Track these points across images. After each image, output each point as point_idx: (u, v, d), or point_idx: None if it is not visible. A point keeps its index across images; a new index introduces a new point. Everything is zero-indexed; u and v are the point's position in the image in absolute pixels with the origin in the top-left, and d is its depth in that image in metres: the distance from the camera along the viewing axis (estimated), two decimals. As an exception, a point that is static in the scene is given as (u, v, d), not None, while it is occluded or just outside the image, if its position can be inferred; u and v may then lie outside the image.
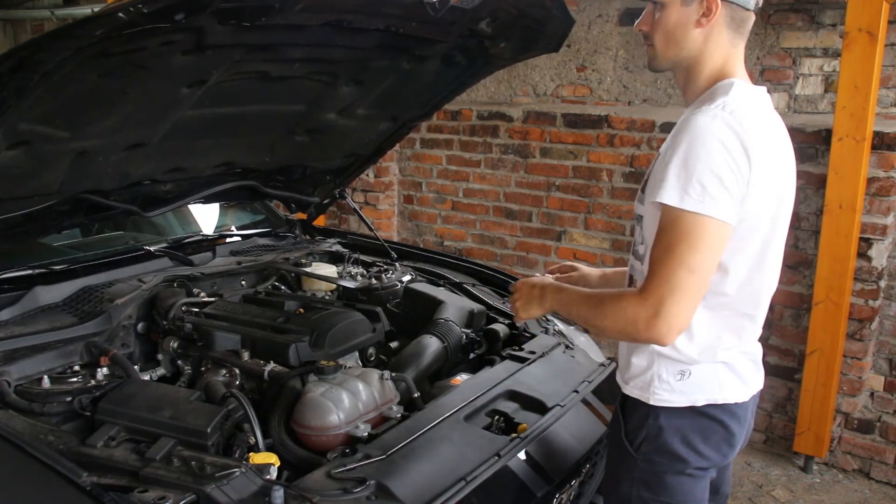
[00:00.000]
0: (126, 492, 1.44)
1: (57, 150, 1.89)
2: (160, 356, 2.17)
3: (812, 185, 3.43)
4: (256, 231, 3.05)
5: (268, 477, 1.54)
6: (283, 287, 2.56)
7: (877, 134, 3.25)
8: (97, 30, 1.48)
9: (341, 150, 2.79)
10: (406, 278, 2.59)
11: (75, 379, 1.85)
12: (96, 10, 1.48)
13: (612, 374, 1.79)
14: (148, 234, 2.92)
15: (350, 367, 2.02)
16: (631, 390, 1.63)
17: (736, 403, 1.60)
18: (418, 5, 1.80)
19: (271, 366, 1.97)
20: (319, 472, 1.59)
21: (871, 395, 3.56)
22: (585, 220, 4.28)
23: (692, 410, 1.58)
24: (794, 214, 1.79)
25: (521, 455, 1.79)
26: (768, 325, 3.54)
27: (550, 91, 4.61)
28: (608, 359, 2.42)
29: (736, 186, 1.43)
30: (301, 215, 3.16)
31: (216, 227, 3.08)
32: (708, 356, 1.57)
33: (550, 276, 1.93)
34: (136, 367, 2.02)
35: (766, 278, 1.61)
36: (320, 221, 3.54)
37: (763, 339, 1.70)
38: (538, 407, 2.00)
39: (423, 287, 2.66)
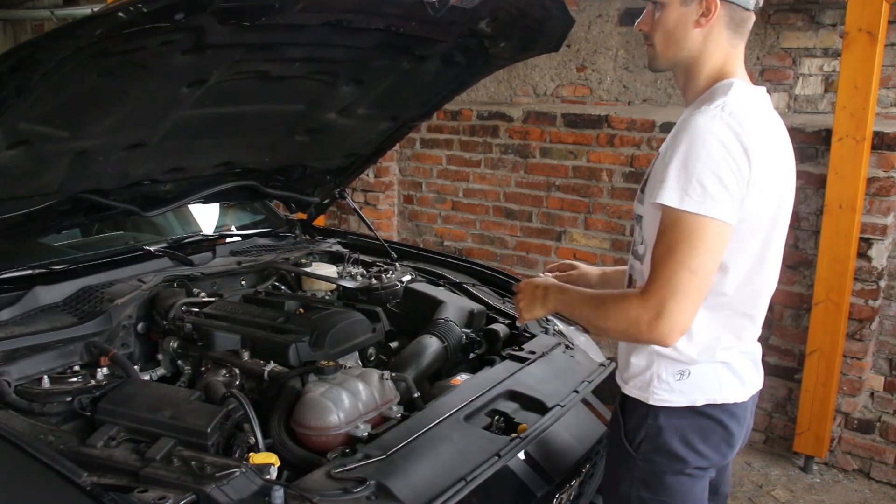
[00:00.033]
0: (126, 492, 1.44)
1: (57, 149, 1.89)
2: (160, 356, 2.17)
3: (812, 185, 3.43)
4: (256, 231, 3.05)
5: (268, 477, 1.54)
6: (283, 287, 2.56)
7: (877, 134, 3.25)
8: (97, 29, 1.48)
9: (341, 150, 2.79)
10: (406, 278, 2.59)
11: (75, 379, 1.85)
12: (96, 9, 1.48)
13: (612, 374, 1.79)
14: (148, 234, 2.92)
15: (350, 367, 2.02)
16: (630, 390, 1.63)
17: (735, 403, 1.60)
18: (418, 5, 1.80)
19: (271, 366, 1.97)
20: (319, 472, 1.59)
21: (871, 395, 3.56)
22: (585, 220, 4.28)
23: (691, 410, 1.58)
24: (794, 214, 1.79)
25: (521, 455, 1.79)
26: (768, 325, 3.53)
27: (550, 91, 4.61)
28: (608, 359, 2.42)
29: (736, 186, 1.43)
30: (301, 215, 3.16)
31: (216, 227, 3.08)
32: (707, 356, 1.57)
33: (549, 274, 1.93)
34: (136, 367, 2.02)
35: (766, 278, 1.61)
36: (320, 221, 3.54)
37: (763, 339, 1.70)
38: (538, 407, 2.00)
39: (423, 287, 2.66)
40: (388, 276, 2.55)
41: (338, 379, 1.86)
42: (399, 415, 1.89)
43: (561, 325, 2.54)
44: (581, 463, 1.94)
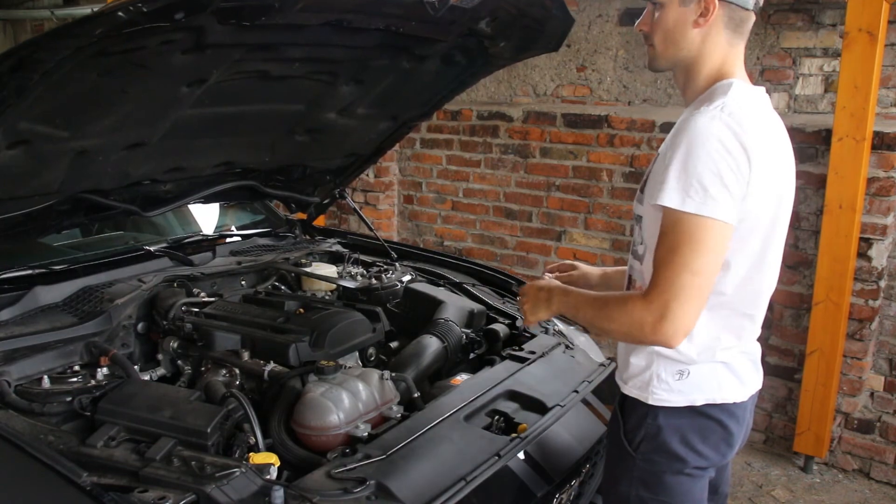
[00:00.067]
0: (126, 492, 1.43)
1: (57, 149, 1.89)
2: (160, 356, 2.17)
3: (812, 185, 3.43)
4: (256, 231, 3.05)
5: (268, 477, 1.54)
6: (283, 287, 2.56)
7: (877, 134, 3.25)
8: (97, 29, 1.48)
9: (341, 150, 2.79)
10: (406, 278, 2.59)
11: (75, 379, 1.85)
12: (96, 9, 1.48)
13: (612, 374, 1.79)
14: (148, 234, 2.92)
15: (350, 367, 2.02)
16: (630, 390, 1.63)
17: (735, 403, 1.60)
18: (418, 5, 1.80)
19: (271, 366, 1.97)
20: (319, 472, 1.58)
21: (871, 395, 3.56)
22: (585, 220, 4.28)
23: (691, 410, 1.58)
24: (794, 214, 1.79)
25: (521, 455, 1.79)
26: (768, 325, 3.54)
27: (550, 91, 4.61)
28: (608, 359, 2.42)
29: (737, 187, 1.43)
30: (301, 215, 3.16)
31: (216, 227, 3.08)
32: (707, 356, 1.57)
33: (550, 275, 1.93)
34: (136, 367, 2.02)
35: (766, 278, 1.62)
36: (320, 221, 3.54)
37: (763, 339, 1.70)
38: (538, 407, 2.00)
39: (423, 287, 2.65)
40: (388, 276, 2.55)
41: (338, 379, 1.86)
42: (399, 415, 1.89)
43: (561, 325, 2.55)
44: (581, 463, 1.94)
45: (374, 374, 1.93)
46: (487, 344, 2.43)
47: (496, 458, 1.73)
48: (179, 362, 2.15)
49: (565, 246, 4.38)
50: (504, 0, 2.06)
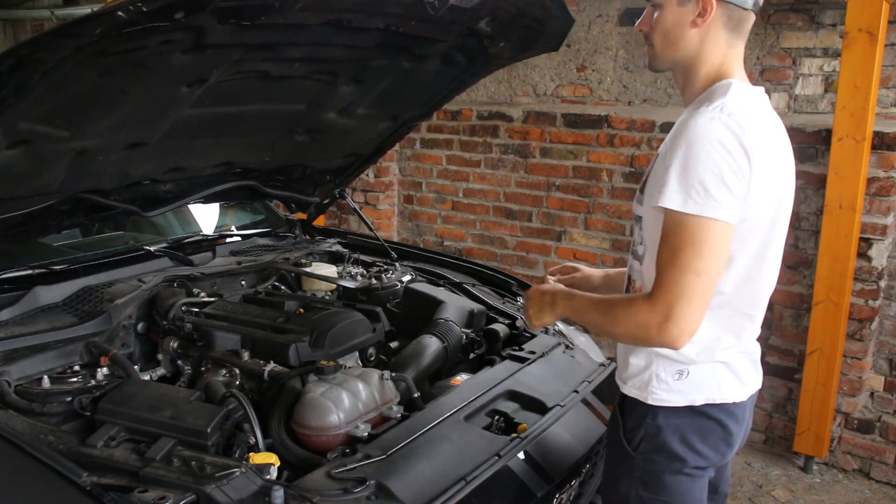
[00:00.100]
0: (126, 492, 1.43)
1: (57, 149, 1.88)
2: (160, 356, 2.17)
3: (812, 185, 3.43)
4: (256, 231, 3.05)
5: (268, 477, 1.54)
6: (283, 287, 2.56)
7: (877, 134, 3.25)
8: (97, 28, 1.48)
9: (341, 150, 2.79)
10: (406, 278, 2.59)
11: (75, 379, 1.85)
12: (96, 9, 1.48)
13: (612, 374, 1.79)
14: (148, 234, 2.92)
15: (350, 367, 2.02)
16: (629, 390, 1.63)
17: (734, 403, 1.60)
18: (418, 4, 1.80)
19: (271, 366, 1.97)
20: (319, 472, 1.59)
21: (871, 395, 3.56)
22: (585, 220, 4.28)
23: (690, 410, 1.58)
24: (794, 214, 1.79)
25: (521, 455, 1.79)
26: (768, 325, 3.54)
27: (550, 91, 4.61)
28: (608, 359, 2.42)
29: (738, 187, 1.43)
30: (301, 215, 3.16)
31: (216, 227, 3.08)
32: (706, 356, 1.57)
33: (552, 277, 1.93)
34: (136, 367, 2.02)
35: (766, 278, 1.61)
36: (320, 221, 3.53)
37: (763, 339, 1.70)
38: (538, 407, 2.00)
39: (423, 287, 2.65)
40: (388, 276, 2.55)
41: (338, 379, 1.86)
42: (399, 415, 1.89)
43: (561, 325, 2.54)
44: (581, 463, 1.94)
45: (374, 374, 1.93)
46: (487, 344, 2.43)
47: (496, 458, 1.73)
48: (179, 362, 2.15)
49: (565, 246, 4.38)
50: (504, 0, 2.06)
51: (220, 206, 3.13)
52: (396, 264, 2.74)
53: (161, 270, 2.40)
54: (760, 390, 1.70)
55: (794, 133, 3.26)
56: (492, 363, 2.26)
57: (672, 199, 1.43)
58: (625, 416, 1.65)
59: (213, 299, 2.28)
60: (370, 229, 3.02)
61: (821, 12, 3.65)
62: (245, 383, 2.01)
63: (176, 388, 1.99)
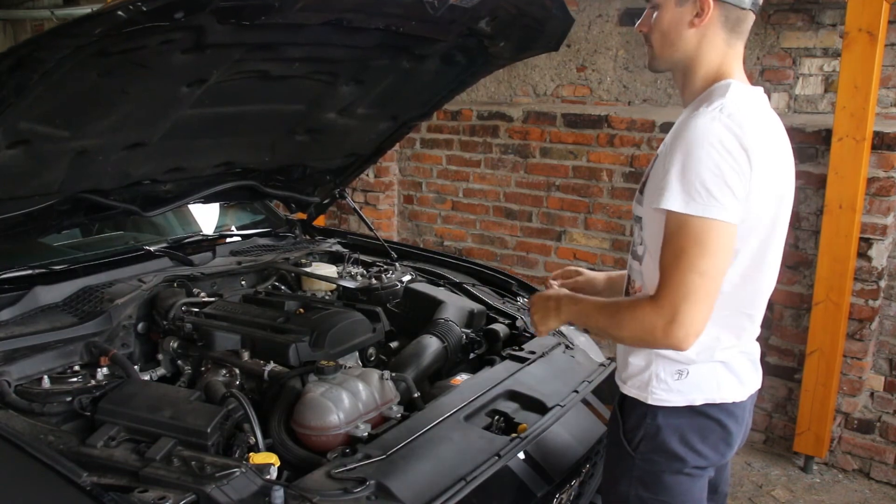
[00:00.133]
0: (126, 492, 1.43)
1: (57, 149, 1.88)
2: (160, 356, 2.17)
3: (812, 185, 3.43)
4: (256, 231, 3.05)
5: (268, 477, 1.54)
6: (283, 287, 2.56)
7: (877, 134, 3.25)
8: (96, 28, 1.48)
9: (341, 150, 2.79)
10: (406, 278, 2.59)
11: (75, 379, 1.85)
12: (96, 9, 1.48)
13: (612, 374, 1.79)
14: (148, 234, 2.92)
15: (350, 367, 2.02)
16: (629, 390, 1.63)
17: (734, 403, 1.60)
18: (418, 4, 1.80)
19: (271, 366, 1.97)
20: (319, 472, 1.59)
21: (871, 395, 3.56)
22: (585, 220, 4.28)
23: (690, 410, 1.58)
24: (794, 214, 1.79)
25: (521, 455, 1.79)
26: (768, 325, 3.54)
27: (550, 91, 4.61)
28: (608, 359, 2.42)
29: (739, 187, 1.43)
30: (301, 215, 3.16)
31: (216, 227, 3.08)
32: (706, 356, 1.57)
33: (555, 282, 1.93)
34: (136, 367, 2.02)
35: (766, 278, 1.61)
36: (320, 221, 3.53)
37: (763, 339, 1.70)
38: (538, 407, 2.00)
39: (423, 287, 2.65)
40: (388, 276, 2.55)
41: (338, 379, 1.86)
42: (399, 415, 1.89)
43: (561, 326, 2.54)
44: (581, 463, 1.94)
45: (374, 374, 1.93)
46: (487, 344, 2.43)
47: (496, 458, 1.73)
48: (179, 362, 2.15)
49: (565, 246, 4.38)
50: (504, 0, 2.06)
51: (220, 206, 3.13)
52: (396, 264, 2.74)
53: (161, 270, 2.40)
54: (760, 390, 1.70)
55: (794, 133, 3.26)
56: (492, 363, 2.26)
57: (674, 200, 1.43)
58: (624, 415, 1.65)
59: (213, 299, 2.28)
60: (370, 229, 3.02)
61: (821, 12, 3.65)
62: (245, 383, 2.01)
63: (176, 388, 1.99)
